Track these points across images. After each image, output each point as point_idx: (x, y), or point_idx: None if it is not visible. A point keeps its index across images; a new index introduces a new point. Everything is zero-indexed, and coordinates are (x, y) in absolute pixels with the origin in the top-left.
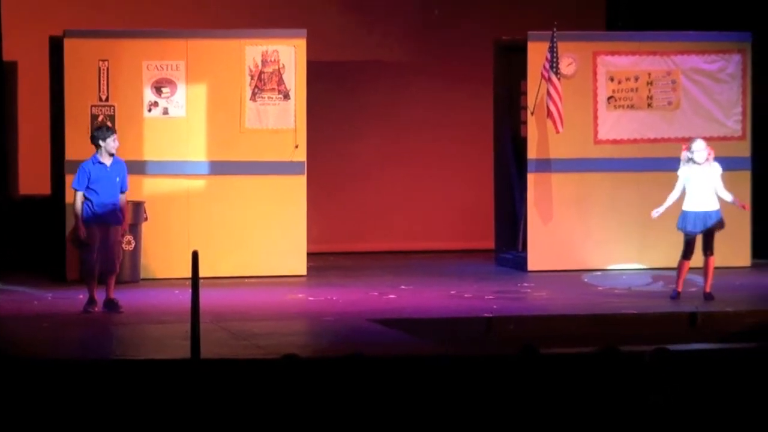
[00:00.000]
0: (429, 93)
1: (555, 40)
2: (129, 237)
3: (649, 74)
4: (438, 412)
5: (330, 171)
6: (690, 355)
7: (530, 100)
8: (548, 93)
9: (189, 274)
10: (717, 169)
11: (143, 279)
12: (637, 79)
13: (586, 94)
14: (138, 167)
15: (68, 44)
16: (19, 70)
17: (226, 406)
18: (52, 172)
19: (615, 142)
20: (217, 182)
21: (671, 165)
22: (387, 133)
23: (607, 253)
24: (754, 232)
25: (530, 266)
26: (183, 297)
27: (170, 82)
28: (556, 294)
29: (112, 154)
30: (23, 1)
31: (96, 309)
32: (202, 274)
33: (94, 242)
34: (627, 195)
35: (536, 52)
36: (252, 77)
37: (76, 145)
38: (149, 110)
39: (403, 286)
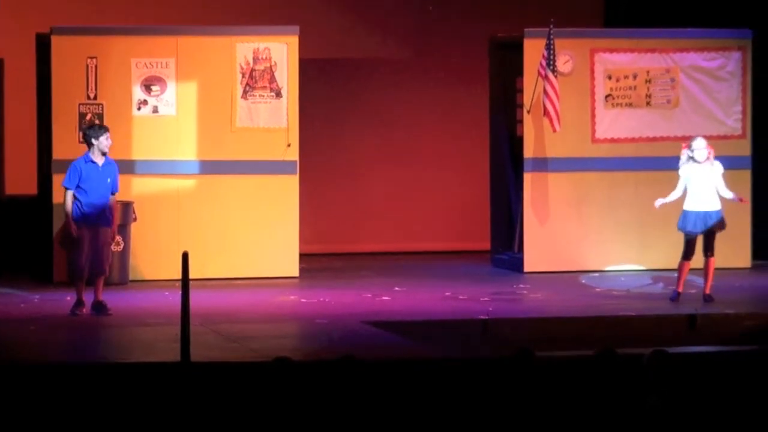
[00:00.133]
0: (423, 91)
1: (552, 37)
2: (118, 238)
3: (648, 72)
4: (432, 415)
5: (323, 170)
6: (689, 358)
7: (527, 98)
8: (545, 91)
9: (179, 276)
10: (719, 168)
11: (132, 280)
12: (635, 76)
13: (584, 92)
14: (127, 167)
15: (55, 41)
16: (5, 67)
17: (217, 409)
18: (39, 171)
19: (613, 140)
20: (207, 182)
21: (670, 164)
22: (380, 132)
23: (605, 254)
24: (754, 232)
25: (526, 267)
26: (173, 299)
27: (160, 80)
28: (552, 296)
29: (104, 153)
30: None
31: (84, 311)
32: (192, 275)
33: (83, 243)
34: (625, 194)
35: (533, 50)
36: (243, 75)
37: (64, 144)
38: (138, 108)
39: (396, 288)
